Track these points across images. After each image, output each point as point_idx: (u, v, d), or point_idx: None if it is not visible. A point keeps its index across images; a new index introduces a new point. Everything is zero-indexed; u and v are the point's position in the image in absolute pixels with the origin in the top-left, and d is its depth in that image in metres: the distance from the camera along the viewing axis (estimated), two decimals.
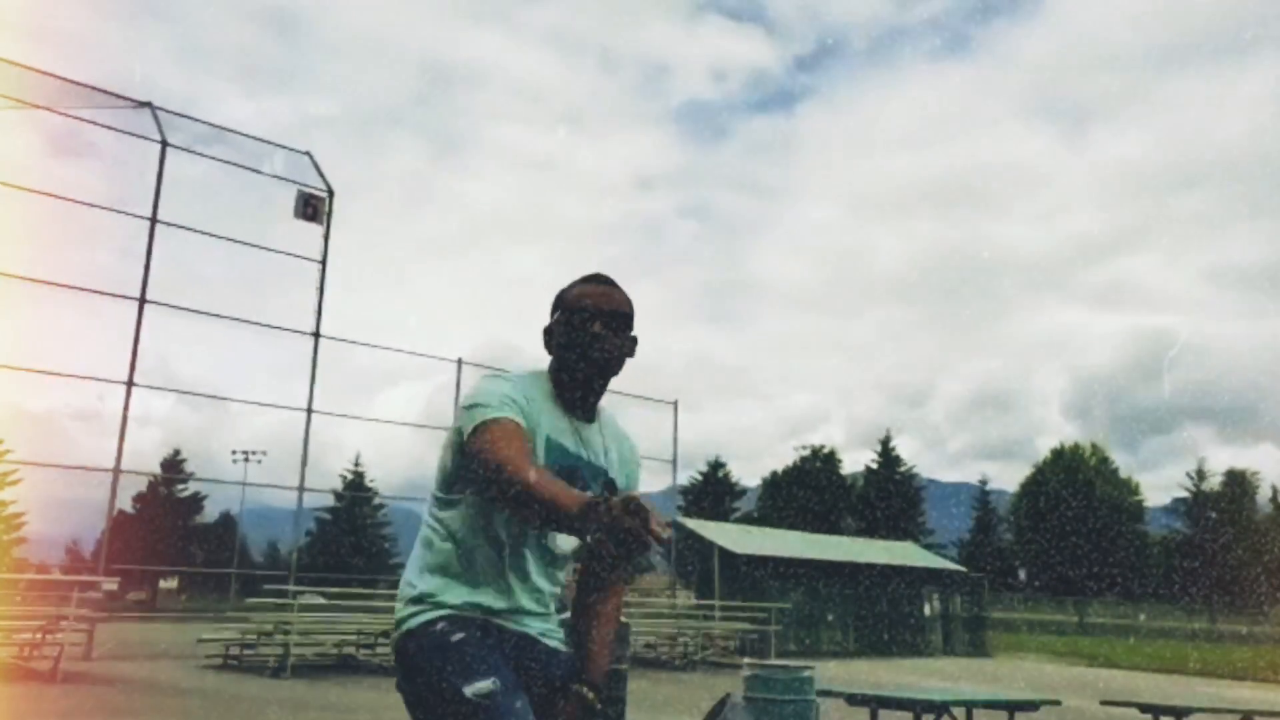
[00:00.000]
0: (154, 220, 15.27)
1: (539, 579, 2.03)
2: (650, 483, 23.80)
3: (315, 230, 17.23)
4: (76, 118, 15.29)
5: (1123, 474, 60.66)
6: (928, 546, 43.26)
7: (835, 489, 55.90)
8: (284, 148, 17.82)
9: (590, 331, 2.02)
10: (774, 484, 57.48)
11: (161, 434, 49.81)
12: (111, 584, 14.60)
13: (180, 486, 51.28)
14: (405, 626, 1.95)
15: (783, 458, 59.99)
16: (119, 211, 15.34)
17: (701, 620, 18.70)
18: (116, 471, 14.89)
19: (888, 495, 56.12)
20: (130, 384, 14.82)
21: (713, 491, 57.67)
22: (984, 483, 63.62)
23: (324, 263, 17.30)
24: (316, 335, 16.88)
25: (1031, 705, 7.40)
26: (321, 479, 53.14)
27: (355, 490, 51.61)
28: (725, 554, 21.42)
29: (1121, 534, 55.48)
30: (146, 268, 15.12)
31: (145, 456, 48.51)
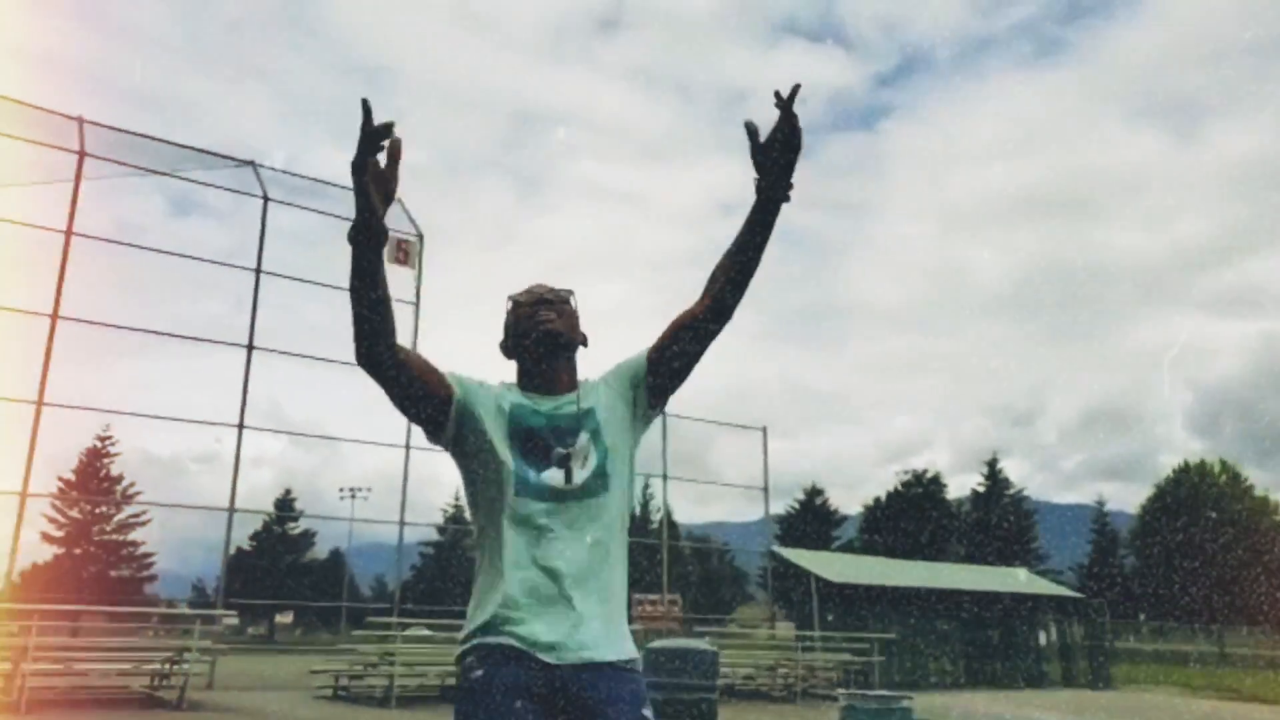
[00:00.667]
0: (259, 271, 16.07)
1: (562, 564, 1.96)
2: (743, 512, 23.76)
3: (407, 273, 17.84)
4: (189, 180, 16.25)
5: (1258, 492, 57.42)
6: (1042, 572, 41.81)
7: (940, 514, 54.53)
8: None
9: (520, 317, 2.15)
10: (875, 511, 56.36)
11: (274, 473, 51.81)
12: (232, 618, 15.26)
13: (292, 524, 53.06)
14: (456, 654, 2.07)
15: (884, 484, 58.57)
16: (226, 264, 16.22)
17: (801, 651, 18.50)
18: (231, 511, 15.59)
19: (996, 519, 54.46)
20: (241, 427, 15.55)
21: (811, 520, 56.85)
22: (1101, 504, 61.24)
23: (417, 304, 17.89)
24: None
25: None
26: (424, 514, 54.40)
27: (456, 523, 52.60)
28: (824, 584, 21.16)
29: (1261, 556, 52.50)
30: (253, 316, 15.90)
31: (260, 495, 50.44)
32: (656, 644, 8.86)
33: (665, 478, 22.19)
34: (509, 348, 2.19)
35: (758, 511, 24.37)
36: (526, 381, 2.15)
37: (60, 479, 41.65)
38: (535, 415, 2.08)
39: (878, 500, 57.01)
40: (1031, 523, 57.15)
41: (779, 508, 58.71)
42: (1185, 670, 33.14)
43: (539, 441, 2.05)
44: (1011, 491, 57.51)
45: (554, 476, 2.02)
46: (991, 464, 58.05)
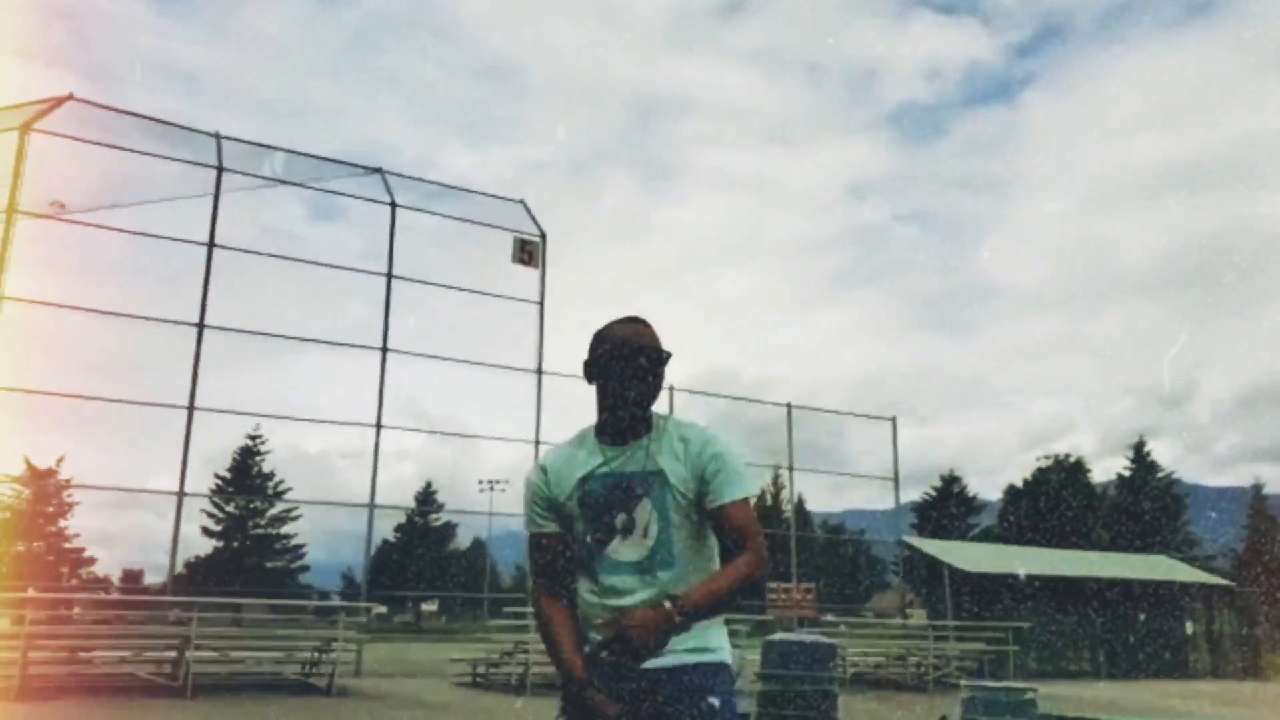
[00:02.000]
0: (389, 275, 16.80)
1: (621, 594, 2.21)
2: (879, 500, 23.48)
3: (532, 274, 18.32)
4: (320, 189, 17.11)
5: None
6: (1192, 559, 39.86)
7: (1083, 500, 52.42)
8: (500, 198, 19.05)
9: (606, 373, 2.25)
10: (1015, 497, 54.62)
11: (416, 468, 53.72)
12: (380, 609, 16.09)
13: (434, 516, 55.00)
14: None
15: (1027, 469, 56.41)
16: (357, 270, 17.00)
17: (934, 640, 18.24)
18: (371, 506, 16.40)
19: (1143, 504, 52.05)
20: (379, 427, 16.32)
21: (949, 507, 55.57)
22: (1259, 486, 57.86)
23: (541, 303, 18.36)
24: (539, 372, 17.93)
25: None
26: None
27: None
28: (958, 573, 20.76)
29: None
30: (385, 320, 16.64)
31: (404, 489, 52.44)
32: (774, 637, 8.97)
33: (791, 469, 22.16)
34: (596, 387, 2.30)
35: (886, 502, 24.03)
36: (600, 428, 2.30)
37: (216, 476, 44.43)
38: (602, 479, 2.25)
39: (1014, 486, 55.28)
40: (1181, 506, 54.43)
41: (916, 494, 57.62)
42: None
43: (603, 510, 2.23)
44: (1160, 475, 54.89)
45: (619, 550, 2.22)
46: (1138, 447, 55.53)
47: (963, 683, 8.38)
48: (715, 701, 2.15)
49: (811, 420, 22.69)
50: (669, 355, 2.29)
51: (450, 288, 17.86)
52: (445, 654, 16.61)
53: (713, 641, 2.22)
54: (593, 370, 2.30)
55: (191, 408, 14.81)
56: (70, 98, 15.80)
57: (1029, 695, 7.86)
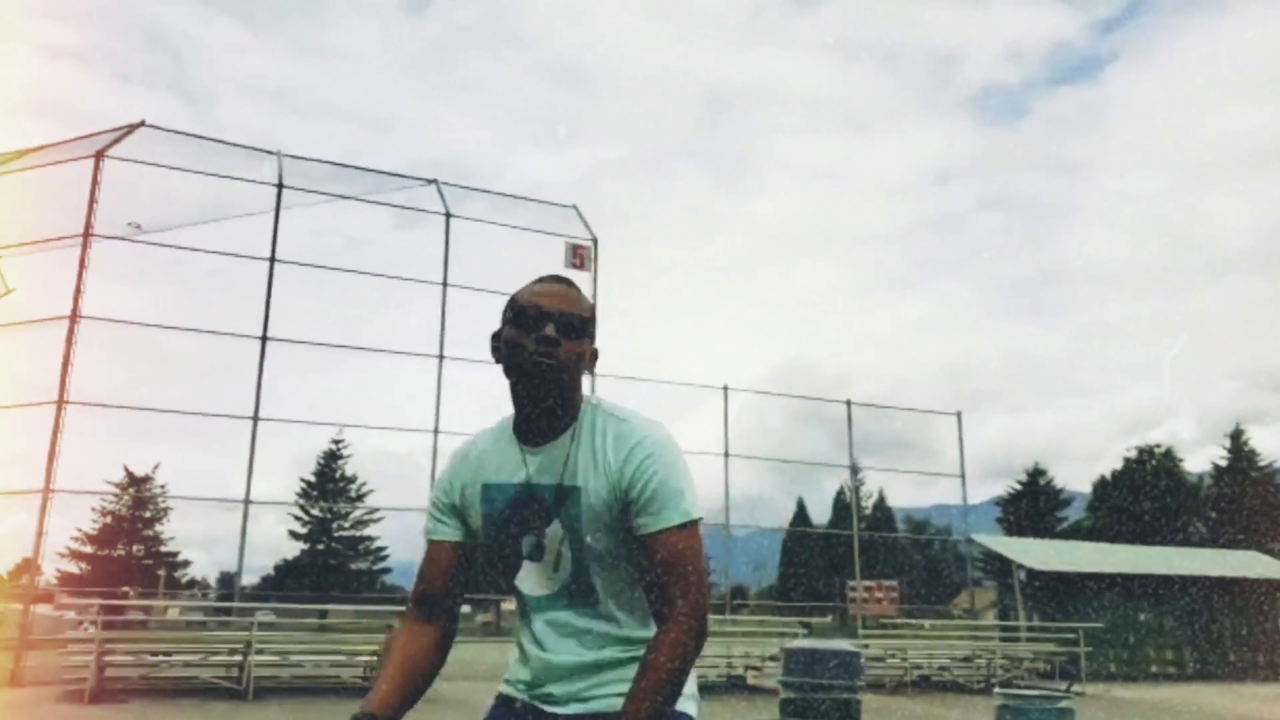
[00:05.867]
0: (445, 284, 17.12)
1: (559, 644, 1.83)
2: (947, 497, 22.99)
3: (585, 277, 18.47)
4: (375, 202, 17.53)
5: None
6: None
7: (1177, 492, 50.53)
8: (554, 204, 19.23)
9: (516, 336, 1.76)
10: (1104, 490, 52.91)
11: None
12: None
13: None
14: None
15: (1121, 459, 54.67)
16: (413, 280, 17.34)
17: (1003, 642, 17.82)
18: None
19: (1242, 496, 49.93)
20: (436, 431, 16.67)
21: (1035, 501, 54.14)
22: None
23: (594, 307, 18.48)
24: (591, 375, 18.04)
25: None
26: None
27: None
28: (1032, 572, 20.23)
29: None
30: (441, 328, 16.96)
31: None
32: (793, 644, 8.90)
33: (854, 470, 21.94)
34: (503, 364, 1.81)
35: (984, 493, 23.54)
36: (517, 420, 1.83)
37: (302, 480, 45.75)
38: (507, 491, 1.82)
39: (1104, 478, 53.56)
40: None
41: (1000, 489, 56.34)
42: None
43: (507, 530, 1.83)
44: (1263, 464, 52.56)
45: (528, 578, 1.84)
46: (1235, 435, 53.25)
47: (996, 689, 8.20)
48: None
49: (887, 415, 22.43)
50: (586, 315, 1.79)
51: (503, 294, 18.07)
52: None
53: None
54: (499, 347, 1.81)
55: (256, 418, 15.30)
56: (142, 124, 16.46)
57: (1064, 703, 7.65)
